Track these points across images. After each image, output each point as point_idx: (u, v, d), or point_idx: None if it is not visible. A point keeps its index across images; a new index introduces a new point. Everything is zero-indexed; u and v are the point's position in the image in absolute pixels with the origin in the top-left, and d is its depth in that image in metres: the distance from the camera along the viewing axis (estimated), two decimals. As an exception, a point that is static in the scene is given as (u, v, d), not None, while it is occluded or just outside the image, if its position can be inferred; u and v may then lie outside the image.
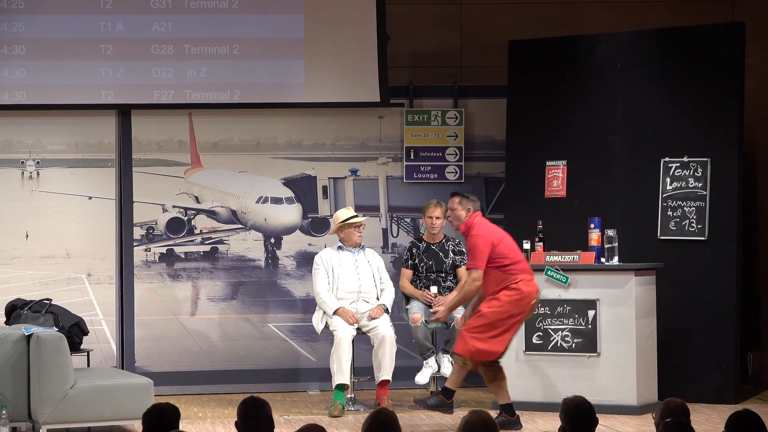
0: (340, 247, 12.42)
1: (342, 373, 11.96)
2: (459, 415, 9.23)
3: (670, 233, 12.66)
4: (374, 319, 12.14)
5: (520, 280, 10.90)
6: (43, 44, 13.38)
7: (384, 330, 12.10)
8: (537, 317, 11.92)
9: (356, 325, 12.11)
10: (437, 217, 12.48)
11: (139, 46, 13.52)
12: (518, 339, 12.09)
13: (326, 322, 12.15)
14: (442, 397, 10.97)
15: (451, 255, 12.52)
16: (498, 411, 10.91)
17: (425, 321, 12.17)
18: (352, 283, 12.28)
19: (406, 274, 12.59)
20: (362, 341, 12.31)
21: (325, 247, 12.75)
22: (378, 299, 12.35)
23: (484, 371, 10.99)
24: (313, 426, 6.70)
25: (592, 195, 12.91)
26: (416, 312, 12.20)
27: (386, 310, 12.28)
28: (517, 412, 10.96)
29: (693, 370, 12.39)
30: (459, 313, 12.17)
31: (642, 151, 12.83)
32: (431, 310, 11.94)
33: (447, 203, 12.44)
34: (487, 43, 14.30)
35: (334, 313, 12.06)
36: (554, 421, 7.42)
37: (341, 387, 11.96)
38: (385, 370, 12.07)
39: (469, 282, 10.93)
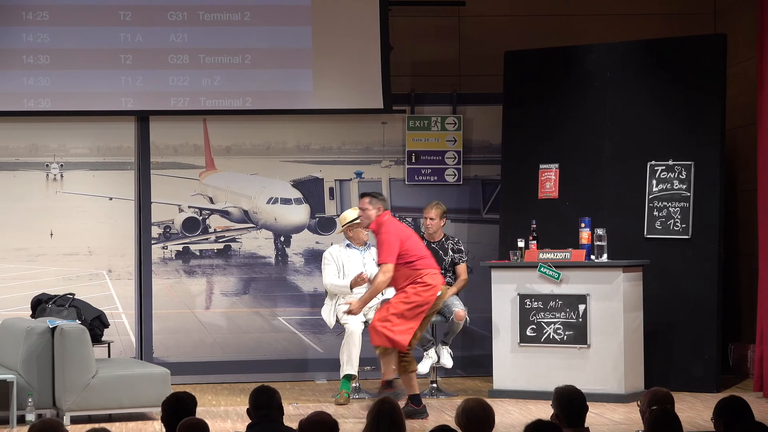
0: (348, 245, 12.42)
1: (351, 364, 11.96)
2: (457, 401, 9.30)
3: (655, 232, 12.66)
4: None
5: (426, 275, 10.99)
6: (67, 54, 13.38)
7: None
8: (531, 311, 11.94)
9: (365, 318, 12.11)
10: (431, 218, 12.50)
11: (157, 56, 13.53)
12: (513, 331, 12.11)
13: (337, 316, 12.15)
14: (412, 407, 10.96)
15: (450, 253, 12.52)
16: (406, 401, 10.89)
17: (425, 314, 12.19)
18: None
19: None
20: (367, 333, 12.31)
21: (332, 244, 12.75)
22: (383, 294, 12.34)
23: (397, 361, 10.99)
24: (321, 413, 6.71)
25: (582, 196, 12.91)
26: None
27: None
28: (504, 400, 10.94)
29: (677, 360, 12.39)
30: (457, 306, 12.19)
31: (629, 154, 12.83)
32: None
33: (430, 205, 12.56)
34: (484, 53, 14.29)
35: (351, 287, 12.02)
36: (547, 409, 7.41)
37: (348, 377, 11.96)
38: (390, 363, 12.09)
39: (379, 276, 10.96)
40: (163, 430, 8.40)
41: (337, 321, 12.16)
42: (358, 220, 12.23)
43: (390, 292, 11.57)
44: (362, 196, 11.27)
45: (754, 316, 12.31)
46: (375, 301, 12.16)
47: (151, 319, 13.56)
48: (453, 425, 6.58)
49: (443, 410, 11.31)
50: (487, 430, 6.88)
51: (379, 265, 11.03)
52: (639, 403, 7.60)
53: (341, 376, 11.98)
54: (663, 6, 14.50)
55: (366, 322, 12.12)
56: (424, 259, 11.11)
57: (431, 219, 12.50)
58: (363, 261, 12.35)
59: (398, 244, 10.93)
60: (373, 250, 12.46)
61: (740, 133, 13.43)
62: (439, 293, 11.11)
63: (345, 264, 12.27)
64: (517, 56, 13.61)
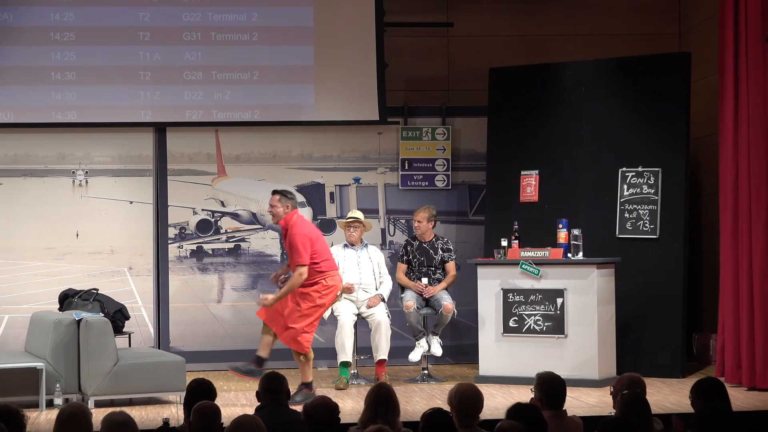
0: (345, 245, 12.43)
1: (345, 352, 11.96)
2: (446, 387, 9.28)
3: (626, 232, 12.67)
4: (372, 307, 12.15)
5: (328, 276, 11.00)
6: (91, 71, 13.37)
7: (379, 316, 12.11)
8: (513, 304, 11.95)
9: (357, 310, 12.12)
10: (419, 221, 12.50)
11: (173, 72, 13.52)
12: (497, 322, 12.12)
13: (331, 309, 12.15)
14: (254, 365, 11.07)
15: (440, 252, 12.51)
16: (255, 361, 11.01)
17: (417, 307, 12.19)
18: (354, 276, 12.28)
19: (401, 267, 12.60)
20: (363, 325, 12.31)
21: (332, 245, 12.76)
22: (377, 290, 12.35)
23: (267, 330, 11.10)
24: (323, 397, 6.74)
25: (560, 200, 12.92)
26: (409, 300, 12.20)
27: (382, 299, 12.28)
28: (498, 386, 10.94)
29: (646, 349, 12.39)
30: (446, 300, 12.19)
31: (603, 161, 12.84)
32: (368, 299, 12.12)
33: (419, 209, 12.55)
34: (470, 70, 14.29)
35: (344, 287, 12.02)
36: (528, 393, 7.42)
37: (345, 364, 11.97)
38: (381, 351, 12.08)
39: (296, 277, 10.80)
40: (181, 411, 8.41)
41: (332, 313, 12.16)
42: (350, 220, 12.26)
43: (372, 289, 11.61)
44: (273, 193, 11.09)
45: (716, 309, 12.31)
46: (366, 296, 12.17)
47: (168, 312, 13.56)
48: (444, 408, 6.59)
49: (434, 394, 11.31)
50: (476, 411, 6.91)
51: (295, 266, 10.86)
52: (612, 387, 7.62)
53: (338, 364, 12.00)
54: (633, 27, 14.51)
55: (358, 315, 12.13)
56: (328, 261, 11.08)
57: (419, 222, 12.50)
58: (358, 259, 12.35)
59: (310, 245, 10.88)
60: (371, 249, 12.51)
61: (703, 142, 13.44)
62: (338, 293, 11.23)
63: (341, 263, 12.26)
64: (500, 73, 13.62)
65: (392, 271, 12.66)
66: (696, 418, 6.24)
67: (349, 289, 12.04)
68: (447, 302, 12.18)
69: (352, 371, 12.17)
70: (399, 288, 12.59)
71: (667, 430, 7.12)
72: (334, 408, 6.60)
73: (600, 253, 12.23)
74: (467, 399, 6.88)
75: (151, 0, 13.49)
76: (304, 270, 10.79)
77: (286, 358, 12.99)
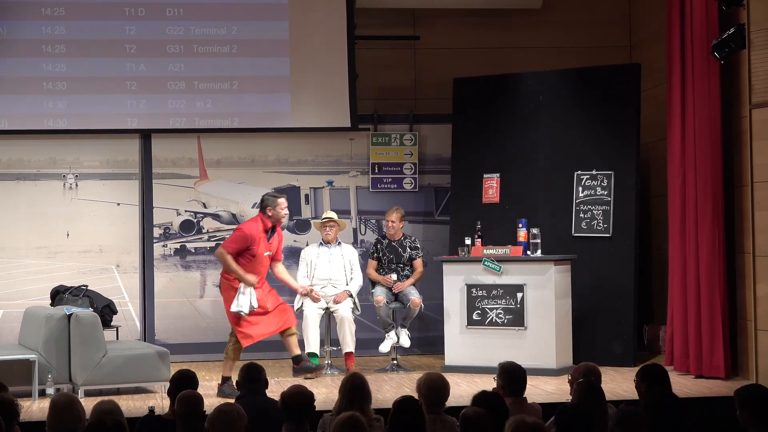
0: (321, 243, 12.41)
1: (309, 344, 11.96)
2: (415, 376, 9.26)
3: (582, 231, 12.68)
4: (339, 302, 12.13)
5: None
6: (80, 81, 13.31)
7: (343, 312, 12.09)
8: (477, 298, 11.95)
9: (323, 305, 12.10)
10: (392, 221, 12.48)
11: (158, 82, 13.47)
12: (462, 315, 12.11)
13: (302, 302, 12.14)
14: (297, 366, 11.29)
15: (408, 250, 12.51)
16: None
17: (386, 302, 12.18)
18: (324, 272, 12.27)
19: (372, 264, 12.59)
20: (335, 318, 12.28)
21: (308, 244, 12.76)
22: (347, 285, 12.32)
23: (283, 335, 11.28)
24: (299, 386, 6.72)
25: (520, 201, 12.93)
26: (379, 295, 12.20)
27: (350, 295, 12.25)
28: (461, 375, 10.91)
29: (600, 339, 12.40)
30: (414, 295, 12.18)
31: (559, 165, 12.85)
32: (393, 290, 12.03)
33: (391, 210, 12.53)
34: (435, 80, 14.29)
35: (300, 290, 12.08)
36: (491, 382, 7.41)
37: (312, 355, 11.94)
38: (347, 344, 12.07)
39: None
40: (166, 400, 8.37)
41: (300, 307, 12.15)
42: (325, 220, 12.23)
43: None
44: (281, 196, 11.28)
45: (664, 302, 12.34)
46: (334, 291, 12.14)
47: (153, 307, 13.51)
48: (413, 396, 6.58)
49: (403, 383, 11.29)
50: (443, 399, 6.91)
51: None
52: (569, 375, 7.62)
53: (306, 354, 11.99)
54: (587, 40, 14.53)
55: (326, 309, 12.11)
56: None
57: (392, 222, 12.49)
58: (330, 257, 12.33)
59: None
60: (345, 247, 12.48)
61: (653, 147, 13.46)
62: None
63: (313, 260, 12.28)
64: (464, 82, 13.62)
65: (363, 268, 12.63)
66: (644, 407, 6.25)
67: (308, 294, 12.03)
68: (414, 297, 12.19)
69: (326, 362, 12.13)
70: (370, 283, 12.58)
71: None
72: (309, 396, 6.59)
73: (557, 251, 12.24)
74: (435, 387, 6.88)
75: (137, 14, 13.45)
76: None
77: (261, 349, 13.02)
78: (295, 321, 11.30)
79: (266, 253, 11.10)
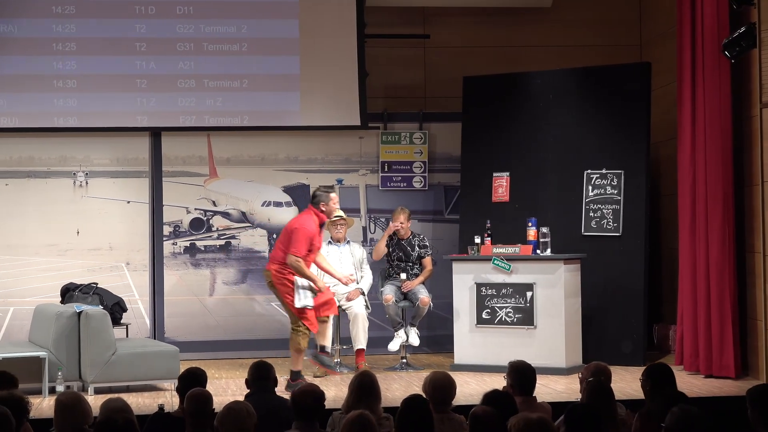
0: (330, 242, 12.40)
1: (324, 339, 11.95)
2: (423, 374, 9.25)
3: (591, 230, 12.67)
4: (351, 300, 12.13)
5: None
6: (91, 79, 13.33)
7: (357, 309, 12.09)
8: (486, 297, 11.95)
9: (337, 303, 12.11)
10: (401, 222, 12.45)
11: (168, 80, 13.48)
12: (471, 314, 12.11)
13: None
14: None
15: (417, 249, 12.50)
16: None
17: (395, 300, 12.18)
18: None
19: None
20: (345, 317, 12.29)
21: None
22: (357, 284, 12.32)
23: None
24: (310, 385, 6.74)
25: (529, 200, 12.91)
26: (388, 294, 12.19)
27: (362, 293, 12.25)
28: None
29: (610, 339, 12.39)
30: (422, 293, 12.18)
31: (569, 164, 12.84)
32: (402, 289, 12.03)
33: (398, 211, 12.50)
34: (445, 78, 14.28)
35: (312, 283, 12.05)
36: (500, 380, 7.41)
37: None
38: (359, 342, 12.05)
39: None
40: (175, 397, 8.37)
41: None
42: (336, 218, 12.20)
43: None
44: (332, 190, 11.33)
45: (674, 301, 12.33)
46: (345, 289, 12.13)
47: (163, 305, 13.52)
48: (422, 394, 6.58)
49: (412, 382, 11.29)
50: (449, 397, 6.91)
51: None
52: (580, 374, 7.62)
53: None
54: (597, 38, 14.52)
55: (338, 308, 12.11)
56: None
57: (401, 223, 12.45)
58: (339, 255, 12.33)
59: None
60: (353, 246, 12.48)
61: (663, 146, 13.45)
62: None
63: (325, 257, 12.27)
64: (474, 81, 13.61)
65: (372, 266, 12.62)
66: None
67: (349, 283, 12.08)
68: (423, 296, 12.18)
69: (336, 360, 12.13)
70: (379, 282, 12.57)
71: (629, 415, 7.12)
72: (320, 395, 6.60)
73: (567, 250, 12.23)
74: (440, 386, 6.88)
75: (147, 12, 13.46)
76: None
77: (270, 348, 13.06)
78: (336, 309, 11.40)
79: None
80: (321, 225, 11.22)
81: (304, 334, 10.97)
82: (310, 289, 10.96)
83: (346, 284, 11.89)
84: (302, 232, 10.89)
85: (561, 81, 13.05)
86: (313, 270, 11.22)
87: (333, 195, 11.19)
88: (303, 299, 10.89)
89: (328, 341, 11.36)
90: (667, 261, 13.53)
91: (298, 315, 10.94)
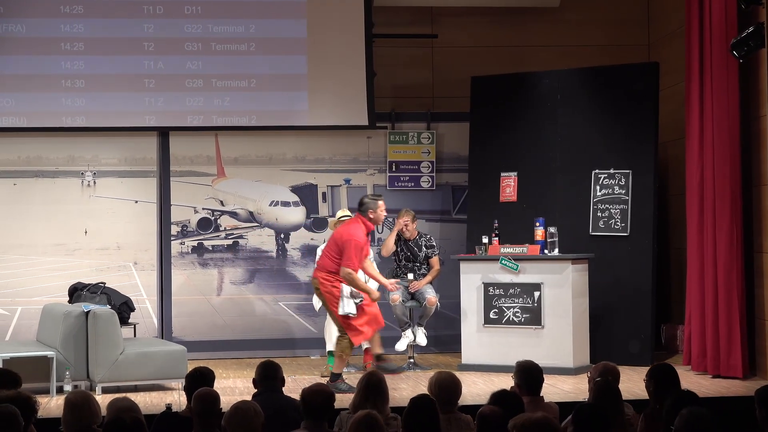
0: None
1: (332, 342, 11.94)
2: (431, 374, 9.22)
3: (599, 230, 12.67)
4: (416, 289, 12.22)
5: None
6: (99, 79, 13.35)
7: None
8: (494, 297, 11.95)
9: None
10: (406, 222, 12.43)
11: (176, 80, 13.50)
12: (478, 314, 12.11)
13: (321, 302, 12.12)
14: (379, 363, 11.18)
15: (424, 249, 12.50)
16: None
17: (402, 300, 12.18)
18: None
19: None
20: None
21: (324, 241, 12.72)
22: (365, 283, 12.31)
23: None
24: (319, 384, 6.73)
25: (537, 199, 12.92)
26: (395, 294, 12.17)
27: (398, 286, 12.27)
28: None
29: (617, 339, 12.38)
30: (429, 294, 12.17)
31: (577, 164, 12.84)
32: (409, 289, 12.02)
33: (404, 214, 12.48)
34: (453, 78, 14.29)
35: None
36: (508, 380, 7.41)
37: (332, 353, 11.93)
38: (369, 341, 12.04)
39: None
40: (183, 397, 8.37)
41: (321, 306, 12.13)
42: (343, 219, 12.20)
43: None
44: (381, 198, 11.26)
45: (682, 301, 12.32)
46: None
47: (170, 304, 13.54)
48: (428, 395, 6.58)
49: (419, 382, 11.29)
50: (455, 397, 6.92)
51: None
52: (589, 374, 7.62)
53: (327, 353, 11.97)
54: (606, 38, 14.52)
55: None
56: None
57: (407, 224, 12.42)
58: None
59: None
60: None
61: (671, 145, 13.44)
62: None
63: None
64: (481, 81, 13.61)
65: (380, 266, 12.61)
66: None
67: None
68: (430, 296, 12.18)
69: (397, 365, 12.05)
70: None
71: (635, 416, 7.12)
72: (330, 394, 6.60)
73: (574, 250, 12.23)
74: (445, 387, 6.89)
75: (155, 12, 13.48)
76: None
77: (278, 347, 13.09)
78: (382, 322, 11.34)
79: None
80: (368, 233, 11.17)
81: (349, 342, 10.94)
82: (353, 296, 10.92)
83: (391, 290, 11.84)
84: (354, 243, 10.83)
85: (569, 81, 13.05)
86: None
87: (380, 202, 11.13)
88: (346, 307, 10.86)
89: (381, 348, 11.31)
90: (675, 261, 13.53)
91: (342, 323, 10.92)
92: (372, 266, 11.60)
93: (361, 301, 10.90)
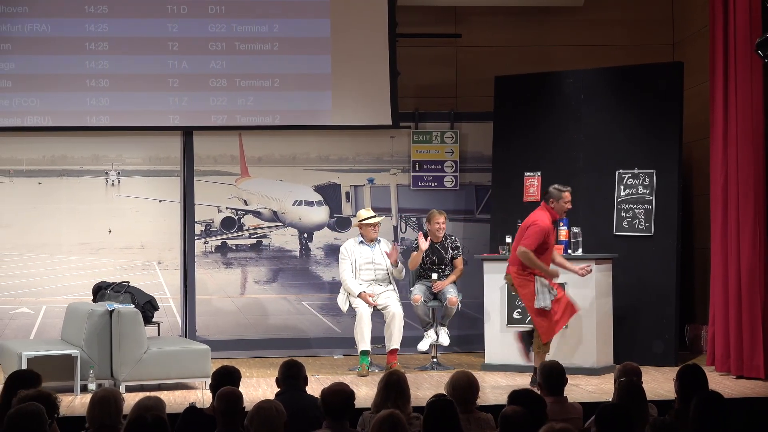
0: (361, 242, 12.38)
1: (364, 342, 11.94)
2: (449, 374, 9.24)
3: (623, 230, 12.64)
4: (392, 257, 12.22)
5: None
6: (123, 78, 13.38)
7: (395, 309, 12.08)
8: (516, 297, 11.89)
9: (373, 303, 12.11)
10: (440, 222, 12.39)
11: (200, 80, 13.52)
12: (501, 314, 12.10)
13: (350, 302, 12.14)
14: None
15: (450, 251, 12.48)
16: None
17: (424, 300, 12.17)
18: (369, 273, 12.25)
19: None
20: (376, 316, 12.28)
21: (348, 240, 12.73)
22: (390, 283, 12.33)
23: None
24: (340, 383, 6.74)
25: (561, 199, 12.88)
26: (417, 294, 12.17)
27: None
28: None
29: (641, 339, 12.36)
30: (451, 294, 12.15)
31: (601, 164, 12.81)
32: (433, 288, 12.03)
33: (437, 214, 12.44)
34: (477, 78, 14.27)
35: (358, 295, 12.05)
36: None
37: (365, 352, 11.94)
38: (394, 341, 12.04)
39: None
40: (206, 396, 8.37)
41: (350, 306, 12.15)
42: (368, 221, 12.19)
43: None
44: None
45: (706, 301, 12.28)
46: (381, 289, 12.14)
47: (194, 303, 13.56)
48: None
49: (442, 382, 11.23)
50: (472, 397, 6.92)
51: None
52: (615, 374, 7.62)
53: (359, 352, 11.98)
54: (630, 38, 14.49)
55: (374, 308, 12.10)
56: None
57: (441, 223, 12.36)
58: (372, 256, 12.32)
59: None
60: (383, 244, 12.44)
61: (695, 146, 13.40)
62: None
63: (357, 259, 12.25)
64: (505, 80, 13.60)
65: (404, 264, 12.60)
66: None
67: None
68: (452, 295, 12.16)
69: (368, 359, 12.13)
70: (409, 282, 12.57)
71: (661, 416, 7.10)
72: (350, 393, 6.60)
73: (598, 250, 12.20)
74: (462, 387, 6.90)
75: (179, 12, 13.51)
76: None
77: (301, 347, 13.09)
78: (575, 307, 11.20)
79: (556, 243, 11.27)
80: (554, 222, 11.11)
81: (540, 340, 10.88)
82: (549, 290, 10.87)
83: (583, 275, 11.46)
84: (537, 227, 10.80)
85: (593, 80, 13.02)
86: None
87: (565, 194, 11.06)
88: (542, 300, 10.81)
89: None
90: (699, 261, 13.48)
91: (534, 317, 10.84)
92: (559, 256, 11.43)
93: (555, 295, 10.87)
